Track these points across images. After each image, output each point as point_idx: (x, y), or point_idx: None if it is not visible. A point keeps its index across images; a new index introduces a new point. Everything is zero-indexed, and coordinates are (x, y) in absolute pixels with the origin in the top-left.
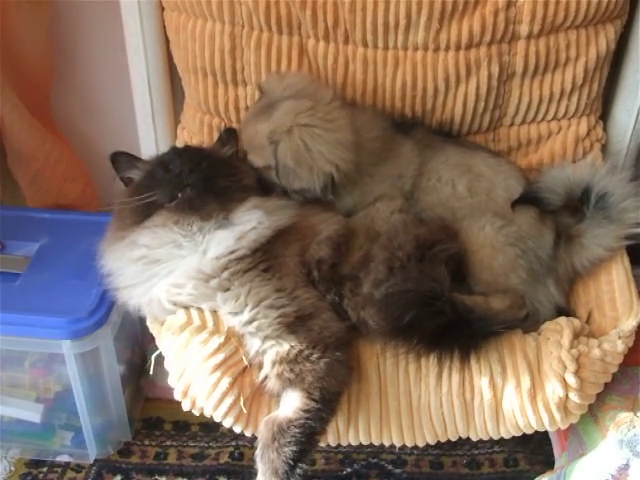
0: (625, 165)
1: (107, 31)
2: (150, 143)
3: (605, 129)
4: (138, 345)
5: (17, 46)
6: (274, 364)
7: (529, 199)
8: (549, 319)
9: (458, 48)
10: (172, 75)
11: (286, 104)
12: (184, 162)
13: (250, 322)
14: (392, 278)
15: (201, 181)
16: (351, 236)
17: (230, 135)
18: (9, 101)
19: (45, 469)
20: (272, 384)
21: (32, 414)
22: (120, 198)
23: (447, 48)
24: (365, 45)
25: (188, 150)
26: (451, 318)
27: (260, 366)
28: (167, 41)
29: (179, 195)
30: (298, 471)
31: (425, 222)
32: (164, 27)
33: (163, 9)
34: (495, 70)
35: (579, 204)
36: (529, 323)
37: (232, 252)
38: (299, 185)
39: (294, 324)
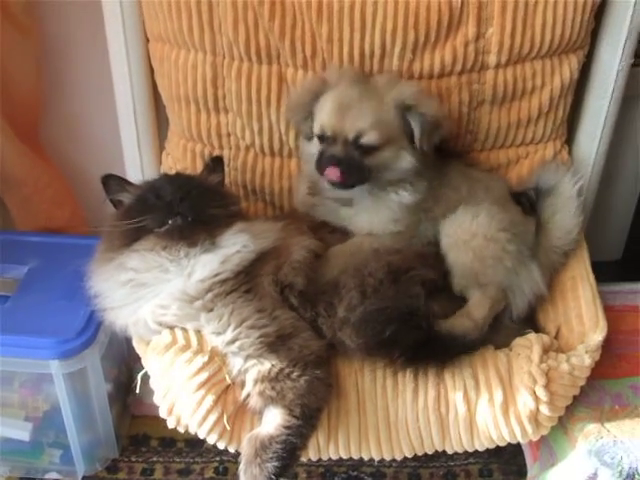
0: (590, 187)
1: (94, 61)
2: (136, 169)
3: (570, 153)
4: (125, 364)
5: (7, 76)
6: (256, 382)
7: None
8: (525, 313)
9: (431, 77)
10: (157, 103)
11: (393, 79)
12: (175, 190)
13: (233, 342)
14: (366, 301)
15: (191, 210)
16: (319, 261)
17: (217, 163)
18: (0, 129)
19: None
20: (254, 402)
21: (21, 432)
22: (110, 220)
23: (420, 77)
24: None
25: (179, 178)
26: (427, 333)
27: (243, 384)
28: (152, 70)
29: (169, 222)
30: None
31: (400, 250)
32: (149, 57)
33: (148, 40)
34: (465, 98)
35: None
36: (505, 324)
37: (216, 275)
38: (439, 136)
39: (275, 343)
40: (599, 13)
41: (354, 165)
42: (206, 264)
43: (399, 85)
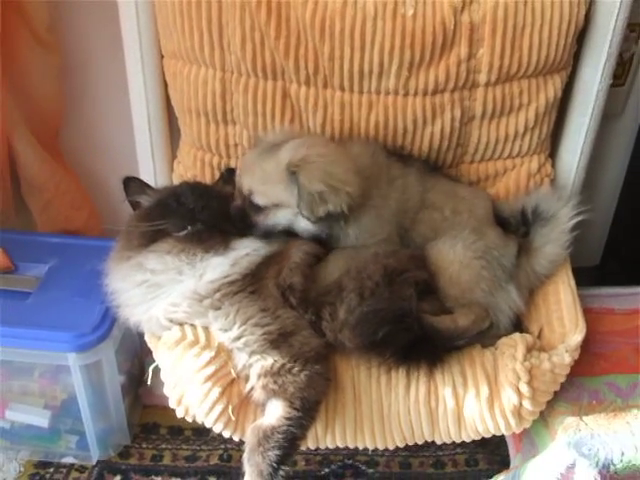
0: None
1: (112, 75)
2: (149, 175)
3: (553, 166)
4: (137, 357)
5: (31, 89)
6: (259, 377)
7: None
8: (509, 327)
9: (425, 94)
10: (170, 115)
11: (293, 141)
12: (197, 198)
13: (238, 338)
14: (364, 303)
15: (211, 218)
16: (319, 263)
17: (230, 174)
18: (23, 137)
19: (52, 470)
20: (258, 394)
21: (40, 420)
22: (131, 221)
23: (415, 93)
24: (342, 89)
25: (199, 187)
26: (418, 334)
27: (247, 378)
28: (165, 85)
29: (189, 228)
30: (281, 473)
31: (395, 252)
32: (163, 72)
33: (162, 56)
34: (457, 114)
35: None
36: (492, 333)
37: (226, 277)
38: (324, 210)
39: (277, 340)
40: (581, 37)
41: (245, 219)
42: (217, 266)
43: (292, 146)
